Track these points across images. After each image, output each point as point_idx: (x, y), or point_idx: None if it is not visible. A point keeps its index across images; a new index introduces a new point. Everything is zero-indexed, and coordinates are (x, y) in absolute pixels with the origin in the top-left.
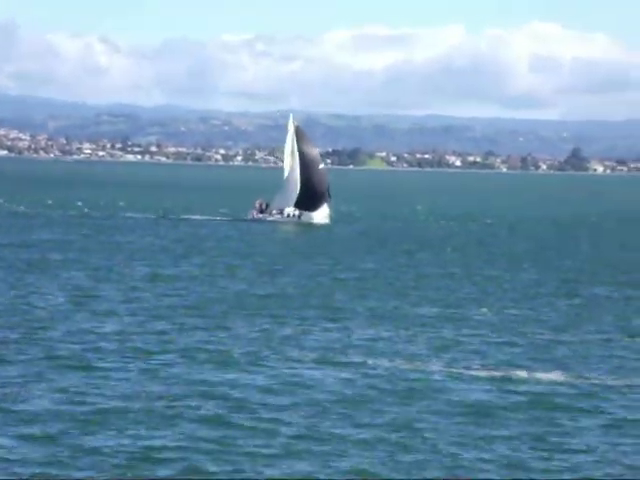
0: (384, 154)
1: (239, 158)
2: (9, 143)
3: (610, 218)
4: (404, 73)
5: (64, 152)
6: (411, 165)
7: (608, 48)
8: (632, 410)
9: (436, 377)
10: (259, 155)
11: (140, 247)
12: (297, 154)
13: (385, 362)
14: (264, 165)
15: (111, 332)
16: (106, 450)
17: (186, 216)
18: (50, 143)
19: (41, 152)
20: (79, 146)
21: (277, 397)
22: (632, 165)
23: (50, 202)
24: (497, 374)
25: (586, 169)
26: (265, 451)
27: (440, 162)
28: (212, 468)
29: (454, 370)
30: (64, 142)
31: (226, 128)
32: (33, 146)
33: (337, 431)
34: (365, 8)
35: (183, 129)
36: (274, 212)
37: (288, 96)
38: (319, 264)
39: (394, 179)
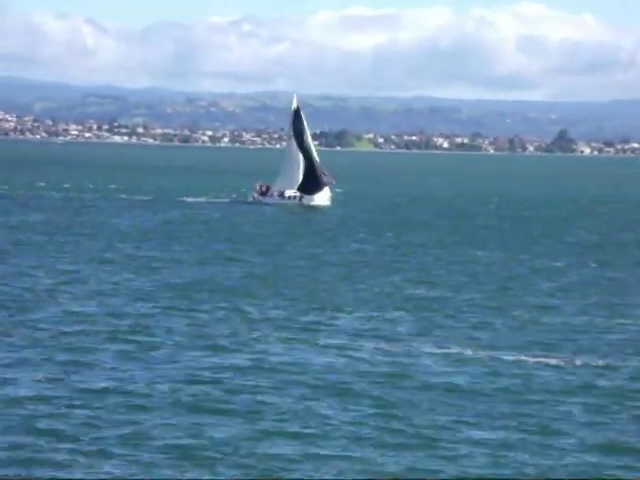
0: (371, 136)
1: (226, 140)
2: None
3: None
4: (390, 54)
5: (50, 134)
6: (398, 147)
7: (595, 29)
8: (618, 391)
9: (422, 359)
10: (246, 137)
11: (147, 229)
12: (301, 136)
13: (371, 344)
14: (252, 147)
15: (95, 314)
16: (89, 432)
17: (182, 198)
18: (36, 124)
19: (27, 133)
20: (65, 127)
21: (261, 379)
22: (619, 146)
23: (42, 184)
24: (483, 355)
25: (573, 151)
26: (248, 433)
27: (428, 144)
28: (195, 452)
29: (439, 351)
30: (50, 124)
31: (213, 109)
32: (19, 127)
33: (323, 412)
34: None
35: (169, 110)
36: (275, 194)
37: (275, 77)
38: (316, 246)
39: (390, 161)
